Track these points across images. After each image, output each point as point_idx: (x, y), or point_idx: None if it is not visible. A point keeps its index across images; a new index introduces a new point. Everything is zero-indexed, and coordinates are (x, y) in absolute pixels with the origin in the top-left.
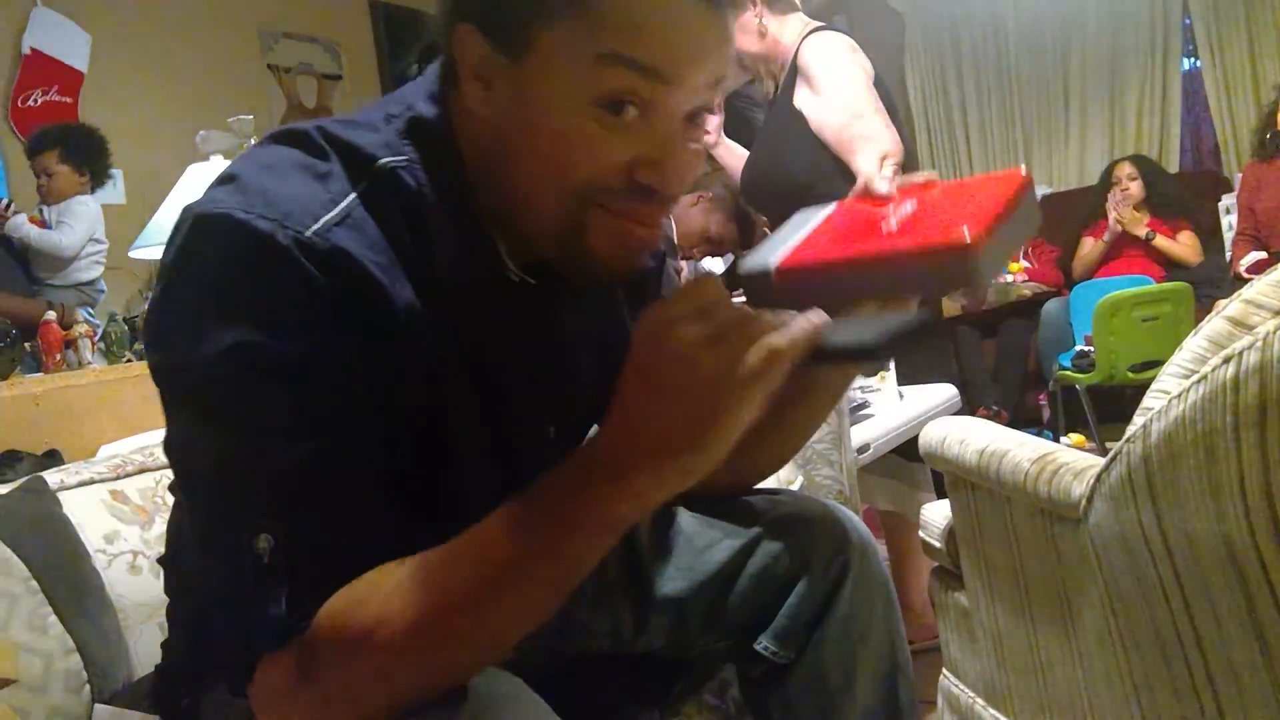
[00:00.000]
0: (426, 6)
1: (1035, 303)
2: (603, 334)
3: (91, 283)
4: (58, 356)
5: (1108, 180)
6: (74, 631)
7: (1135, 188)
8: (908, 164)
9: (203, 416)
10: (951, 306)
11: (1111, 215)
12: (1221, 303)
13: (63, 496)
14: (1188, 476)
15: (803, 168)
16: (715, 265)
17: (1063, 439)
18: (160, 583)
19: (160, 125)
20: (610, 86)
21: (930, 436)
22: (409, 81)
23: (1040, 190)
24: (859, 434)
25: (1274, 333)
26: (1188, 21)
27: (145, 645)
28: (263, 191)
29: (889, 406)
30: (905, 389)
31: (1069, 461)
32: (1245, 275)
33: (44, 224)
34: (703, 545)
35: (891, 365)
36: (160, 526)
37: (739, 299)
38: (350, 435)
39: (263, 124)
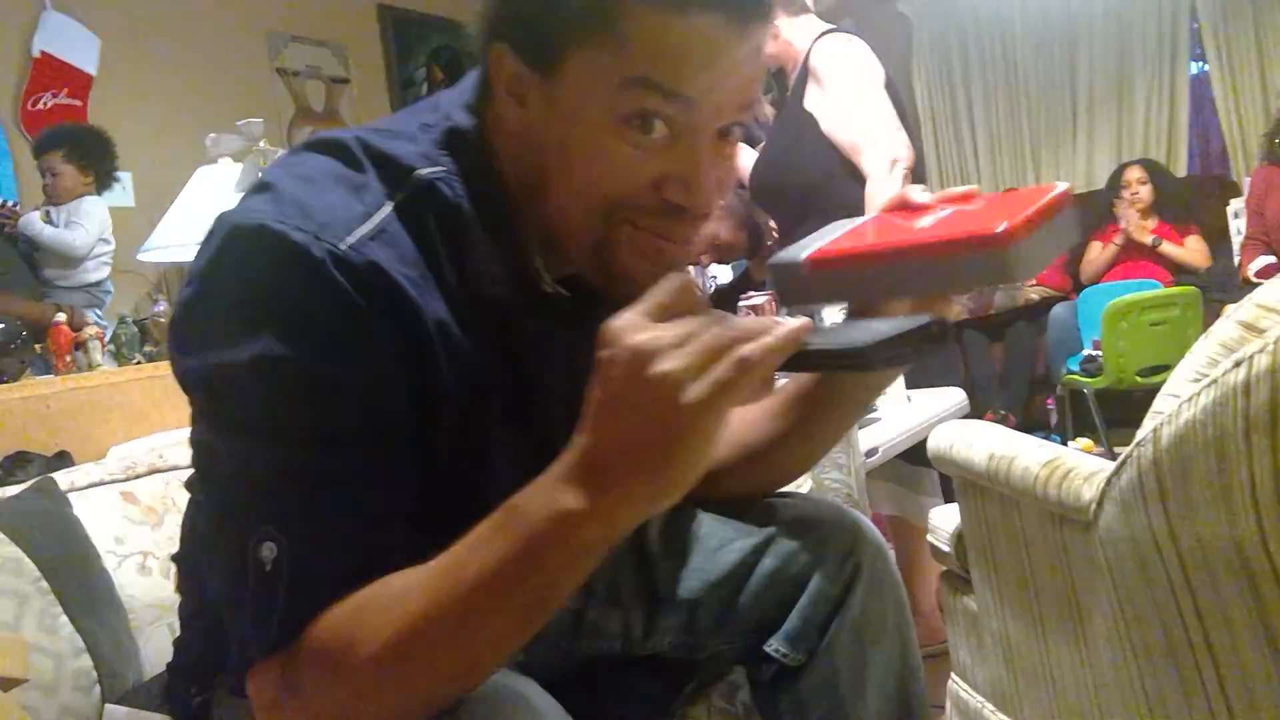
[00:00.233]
0: (434, 11)
1: (1043, 307)
2: None
3: (99, 284)
4: (68, 358)
5: (1116, 184)
6: (84, 632)
7: (1145, 191)
8: (917, 168)
9: (223, 421)
10: (958, 310)
11: (1122, 219)
12: (1230, 307)
13: (73, 497)
14: (1199, 480)
15: (812, 169)
16: (723, 273)
17: (1070, 443)
18: (170, 583)
19: (169, 128)
20: (638, 108)
21: (939, 440)
22: (417, 85)
23: None
24: (867, 437)
25: None
26: (1195, 25)
27: (155, 646)
28: (299, 203)
29: (897, 410)
30: (913, 393)
31: (1079, 465)
32: (1254, 279)
33: (53, 225)
34: (714, 546)
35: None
36: (170, 528)
37: (754, 299)
38: (368, 452)
39: (271, 128)
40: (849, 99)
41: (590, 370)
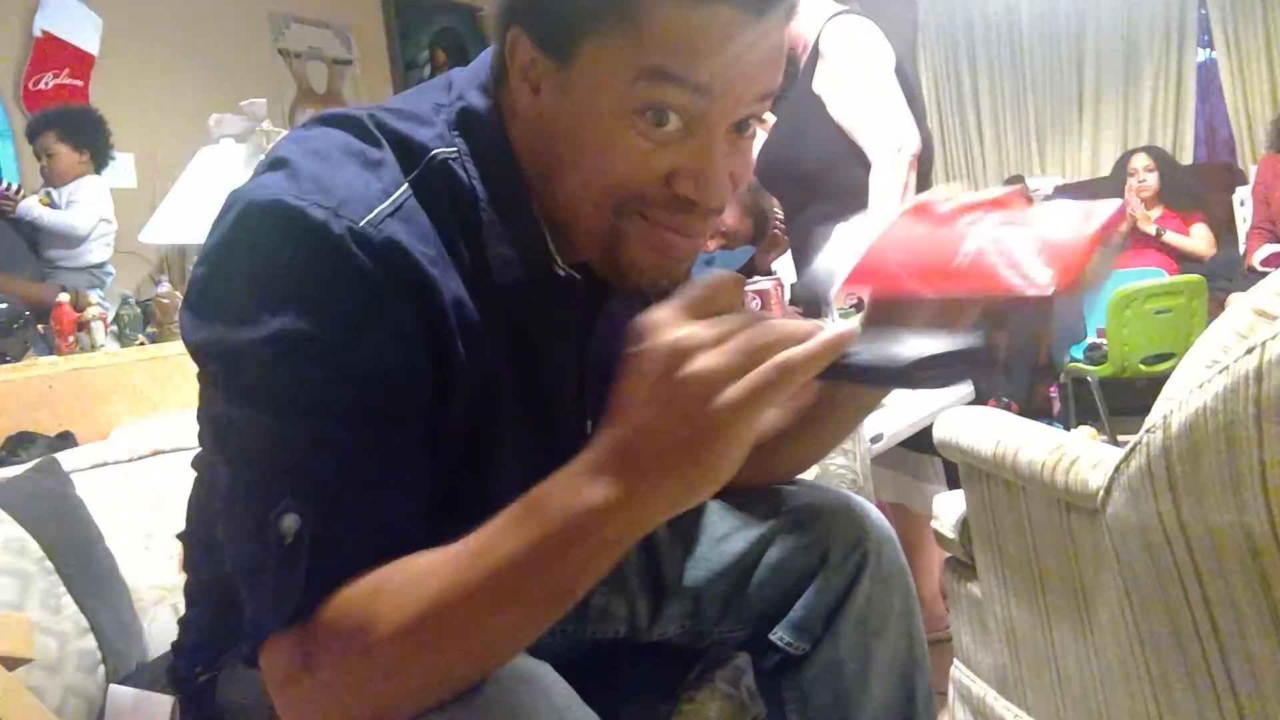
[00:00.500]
0: None
1: None
2: None
3: (101, 265)
4: (70, 339)
5: (1122, 171)
6: (88, 612)
7: (1151, 179)
8: (924, 153)
9: (243, 395)
10: None
11: (1130, 209)
12: (1236, 295)
13: (76, 478)
14: (1208, 467)
15: (819, 152)
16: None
17: (1073, 431)
18: (173, 563)
19: (171, 109)
20: (653, 100)
21: (944, 426)
22: (420, 67)
23: (1052, 181)
24: (872, 423)
25: None
26: (1203, 12)
27: (159, 626)
28: (316, 178)
29: (901, 396)
30: None
31: (1086, 452)
32: (1259, 268)
33: (54, 206)
34: (721, 535)
35: None
36: (173, 508)
37: (759, 284)
38: (388, 426)
39: (273, 109)
40: (857, 83)
41: (602, 354)
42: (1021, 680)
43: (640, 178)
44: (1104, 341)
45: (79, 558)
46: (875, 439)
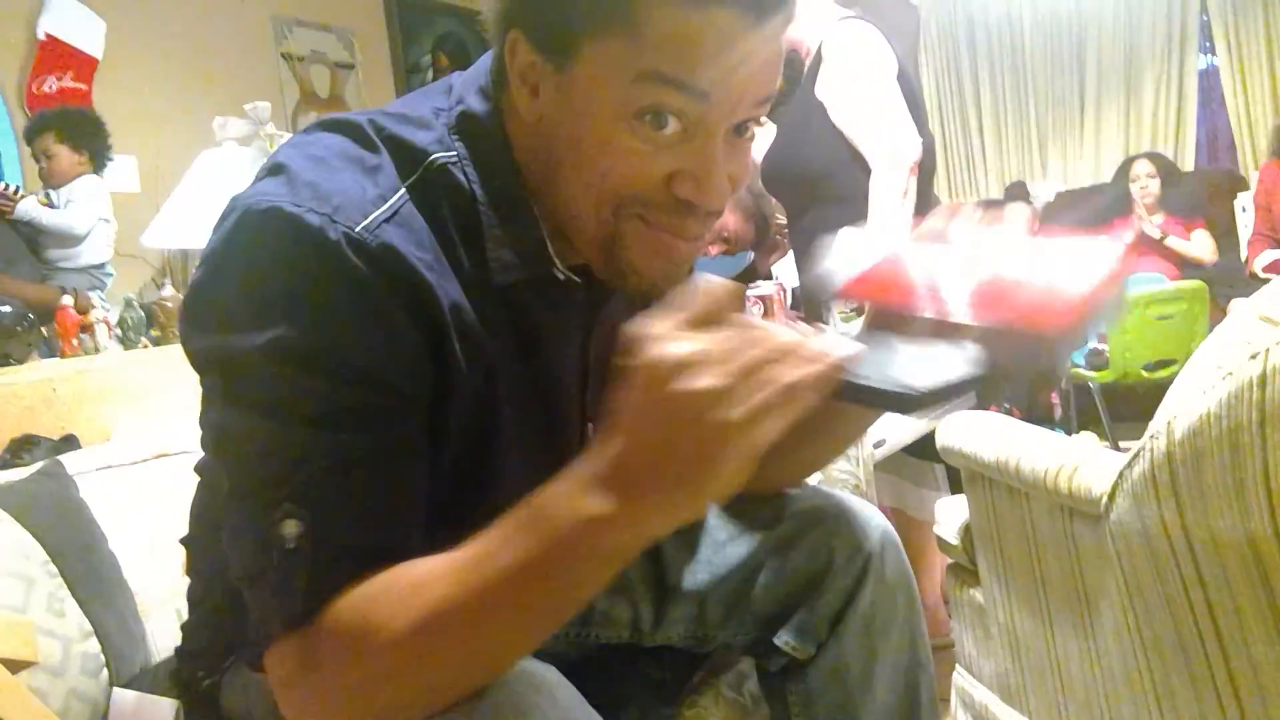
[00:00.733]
0: None
1: None
2: None
3: (101, 265)
4: (74, 342)
5: (1124, 177)
6: (91, 615)
7: (1153, 185)
8: (926, 159)
9: (241, 402)
10: None
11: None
12: (1237, 301)
13: (80, 481)
14: (1212, 473)
15: (821, 156)
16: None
17: (1076, 436)
18: (177, 567)
19: (174, 112)
20: (652, 103)
21: (948, 432)
22: (422, 71)
23: (1054, 188)
24: (875, 428)
25: None
26: (1205, 18)
27: (162, 629)
28: (312, 185)
29: None
30: None
31: (1089, 458)
32: (1261, 275)
33: (53, 207)
34: (724, 539)
35: None
36: (177, 511)
37: (760, 289)
38: (386, 431)
39: (276, 113)
40: (858, 89)
41: (603, 356)
42: (1024, 686)
43: (640, 180)
44: (1106, 347)
45: (83, 561)
46: (878, 444)
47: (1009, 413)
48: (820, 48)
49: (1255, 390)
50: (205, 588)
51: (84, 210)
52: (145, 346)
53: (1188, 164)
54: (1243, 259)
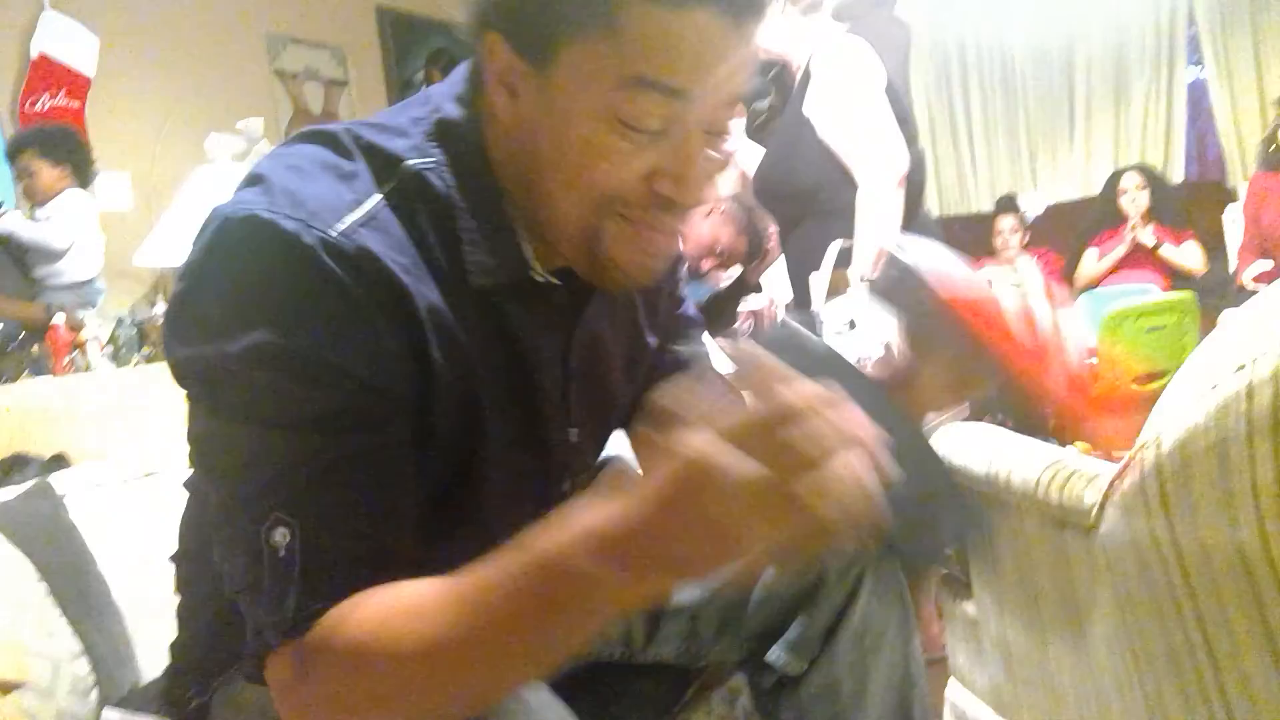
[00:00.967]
0: (433, 13)
1: None
2: (626, 342)
3: (89, 282)
4: (66, 360)
5: (1112, 190)
6: (82, 635)
7: (1143, 198)
8: (915, 174)
9: (225, 409)
10: None
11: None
12: (1228, 312)
13: (70, 500)
14: (1201, 485)
15: (811, 172)
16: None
17: (1068, 447)
18: (167, 586)
19: (168, 130)
20: (635, 106)
21: (939, 444)
22: (415, 87)
23: (1044, 200)
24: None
25: None
26: (1193, 31)
27: (151, 649)
28: (289, 192)
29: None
30: None
31: (1080, 469)
32: (1251, 285)
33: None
34: None
35: None
36: (167, 530)
37: (753, 305)
38: (369, 433)
39: (270, 130)
40: (846, 104)
41: (582, 364)
42: (1016, 699)
43: (621, 178)
44: (1096, 360)
45: (73, 581)
46: None
47: (1001, 424)
48: (810, 63)
49: (1243, 402)
50: (195, 606)
51: (63, 225)
52: (137, 365)
53: (1177, 176)
54: (1232, 270)
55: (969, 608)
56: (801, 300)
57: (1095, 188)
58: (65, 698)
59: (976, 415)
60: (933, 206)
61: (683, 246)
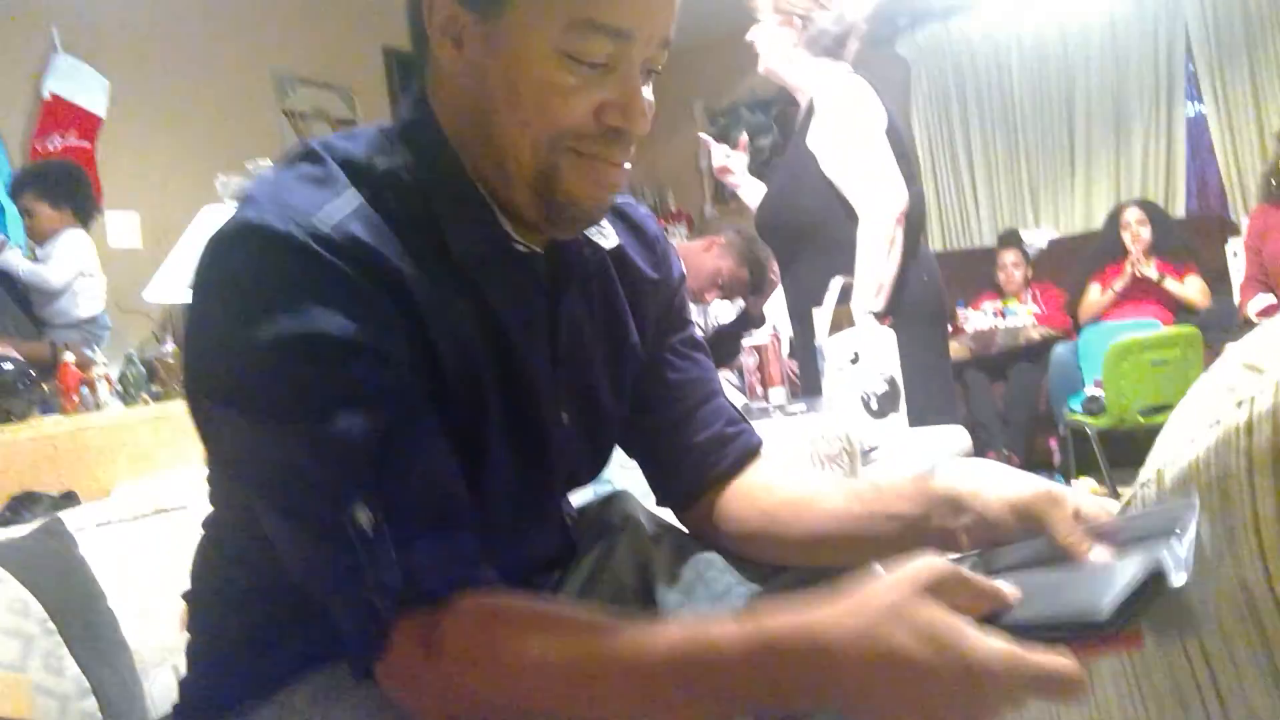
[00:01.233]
0: None
1: (1044, 346)
2: (610, 331)
3: (93, 319)
4: (75, 398)
5: (1114, 224)
6: (90, 673)
7: (1145, 232)
8: (916, 211)
9: (266, 414)
10: (960, 349)
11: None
12: (1230, 346)
13: (80, 538)
14: (1202, 521)
15: (812, 207)
16: (726, 311)
17: (1074, 482)
18: (176, 623)
19: (177, 170)
20: (585, 46)
21: (946, 479)
22: None
23: (1046, 235)
24: (865, 435)
25: None
26: (1191, 68)
27: (160, 686)
28: (275, 199)
29: (898, 448)
30: (915, 430)
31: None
32: (1255, 319)
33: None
34: (720, 591)
35: (903, 407)
36: (176, 568)
37: (756, 339)
38: (404, 401)
39: None
40: (848, 142)
41: (567, 345)
42: None
43: (573, 113)
44: (1102, 393)
45: (82, 619)
46: (871, 449)
47: (1008, 460)
48: (813, 100)
49: (1243, 438)
50: (204, 644)
51: (59, 264)
52: (146, 402)
53: (1178, 210)
54: (1235, 303)
55: None
56: (803, 334)
57: (1097, 223)
58: None
59: (981, 451)
60: (936, 241)
61: (688, 278)
